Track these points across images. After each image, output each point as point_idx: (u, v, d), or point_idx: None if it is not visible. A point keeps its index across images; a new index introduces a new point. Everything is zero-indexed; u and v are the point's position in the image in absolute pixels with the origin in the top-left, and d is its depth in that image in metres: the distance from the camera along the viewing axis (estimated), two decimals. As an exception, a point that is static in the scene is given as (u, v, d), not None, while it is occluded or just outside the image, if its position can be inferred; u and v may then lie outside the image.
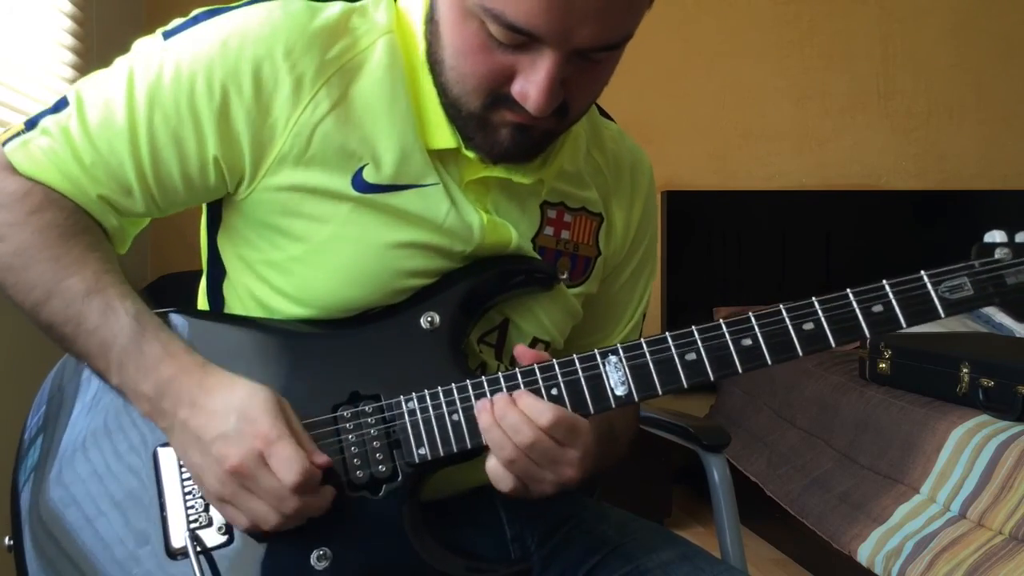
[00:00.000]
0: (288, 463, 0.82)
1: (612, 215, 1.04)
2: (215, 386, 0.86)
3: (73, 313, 0.87)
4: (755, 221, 3.48)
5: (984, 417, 2.17)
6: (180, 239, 2.86)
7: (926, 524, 2.14)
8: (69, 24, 2.33)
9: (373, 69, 0.90)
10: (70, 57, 2.32)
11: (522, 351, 0.89)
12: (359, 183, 0.90)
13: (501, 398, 0.86)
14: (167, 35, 0.91)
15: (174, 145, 0.89)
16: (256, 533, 0.86)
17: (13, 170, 0.89)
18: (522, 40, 0.80)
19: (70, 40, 2.33)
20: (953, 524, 2.08)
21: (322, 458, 0.84)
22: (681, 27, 3.41)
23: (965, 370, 2.25)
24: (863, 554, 2.24)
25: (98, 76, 0.91)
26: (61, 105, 0.90)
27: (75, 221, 0.90)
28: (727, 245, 3.48)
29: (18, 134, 0.90)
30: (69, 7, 2.33)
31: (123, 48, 0.93)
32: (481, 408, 0.86)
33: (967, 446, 2.12)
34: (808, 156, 3.58)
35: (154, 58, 0.89)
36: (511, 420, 0.84)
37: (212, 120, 0.88)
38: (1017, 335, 2.88)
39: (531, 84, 0.82)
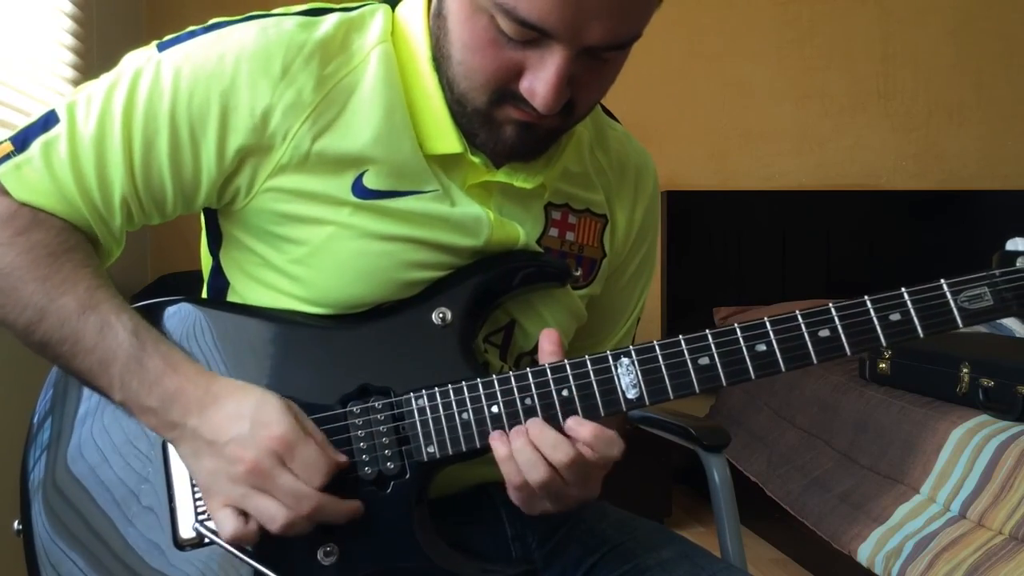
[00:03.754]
0: (313, 465, 0.83)
1: (615, 215, 1.04)
2: (222, 392, 0.86)
3: (69, 332, 0.86)
4: (755, 221, 3.48)
5: (984, 417, 2.17)
6: (180, 239, 2.87)
7: (926, 524, 2.14)
8: (69, 24, 2.33)
9: (370, 81, 0.90)
10: (70, 57, 2.32)
11: (548, 334, 0.89)
12: (359, 189, 0.90)
13: (518, 435, 0.86)
14: (162, 47, 0.90)
15: (170, 160, 0.88)
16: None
17: (2, 191, 0.88)
18: (532, 36, 0.80)
19: (70, 40, 2.33)
20: (953, 524, 2.08)
21: (342, 457, 0.85)
22: (681, 27, 3.41)
23: (965, 370, 2.25)
24: (863, 554, 2.24)
25: (89, 89, 0.90)
26: (51, 121, 0.88)
27: (64, 239, 0.88)
28: (727, 245, 3.48)
29: (8, 156, 0.88)
30: (69, 7, 2.33)
31: (123, 49, 0.93)
32: (498, 439, 0.86)
33: (967, 446, 2.12)
34: (808, 156, 3.58)
35: (148, 72, 0.88)
36: (527, 456, 0.84)
37: (210, 136, 0.88)
38: (1017, 335, 2.88)
39: (539, 81, 0.82)
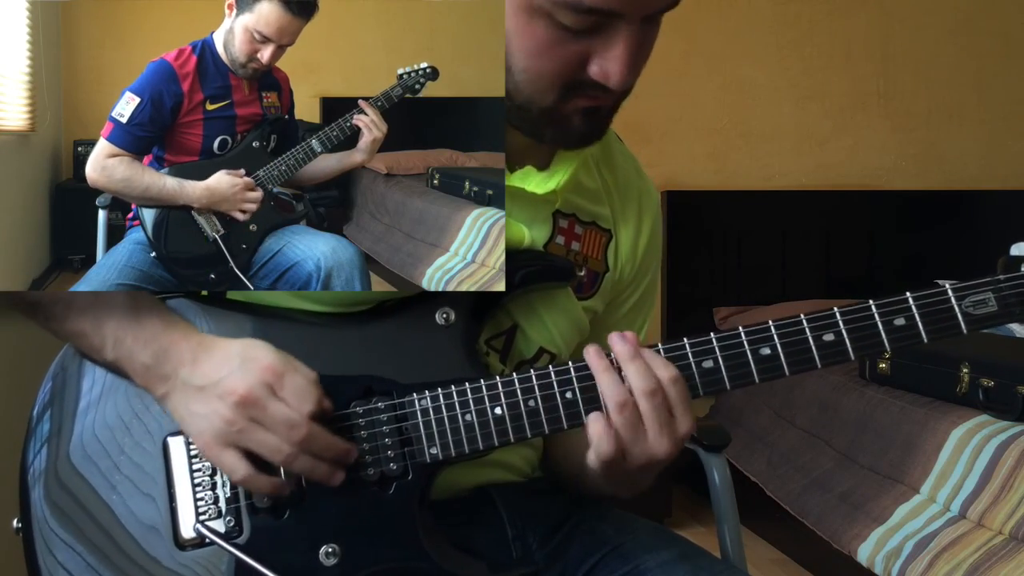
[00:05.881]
0: (303, 393, 0.84)
1: (619, 233, 1.05)
2: (213, 344, 0.87)
3: (63, 292, 0.88)
4: (755, 221, 3.48)
5: (984, 417, 2.17)
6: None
7: (926, 524, 2.14)
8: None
9: None
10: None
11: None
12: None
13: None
14: None
15: None
16: (266, 523, 0.86)
17: None
18: (595, 22, 0.82)
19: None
20: (953, 524, 2.09)
21: (328, 402, 0.86)
22: (681, 27, 3.40)
23: (965, 370, 2.25)
24: (863, 554, 2.24)
25: None
26: None
27: None
28: (727, 245, 3.48)
29: None
30: (70, 7, 2.33)
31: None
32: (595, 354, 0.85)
33: (967, 446, 2.13)
34: (808, 156, 3.58)
35: None
36: (638, 365, 0.83)
37: None
38: (1017, 335, 2.88)
39: (611, 60, 0.84)
